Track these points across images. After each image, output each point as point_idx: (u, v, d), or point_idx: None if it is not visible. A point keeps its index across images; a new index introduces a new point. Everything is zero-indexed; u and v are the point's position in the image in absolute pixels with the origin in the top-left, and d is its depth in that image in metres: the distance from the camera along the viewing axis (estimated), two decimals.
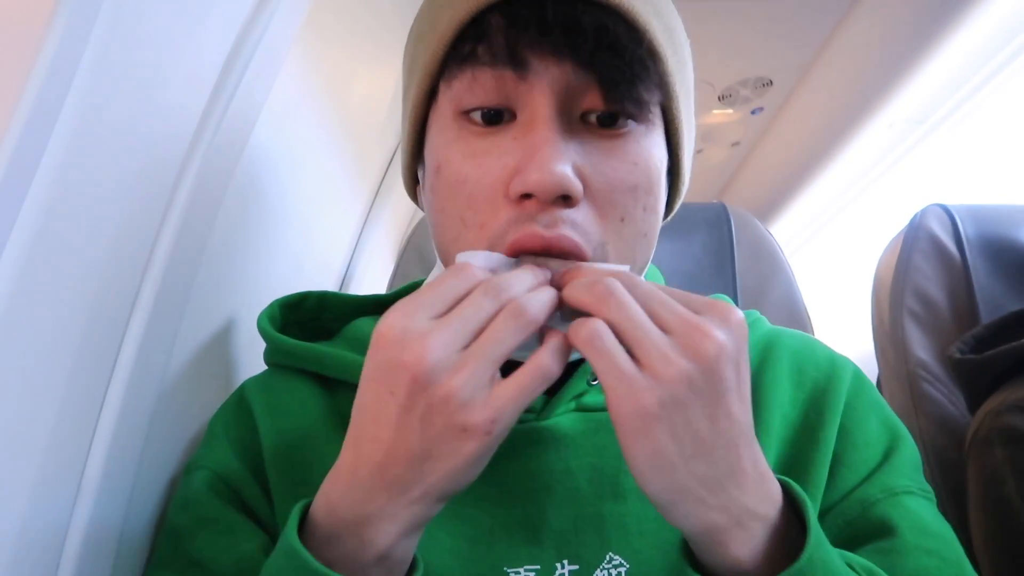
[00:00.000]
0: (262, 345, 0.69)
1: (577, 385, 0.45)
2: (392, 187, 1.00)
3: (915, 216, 0.87)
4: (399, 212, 1.12)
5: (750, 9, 1.17)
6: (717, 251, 0.78)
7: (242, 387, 0.50)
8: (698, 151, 1.71)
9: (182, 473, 0.47)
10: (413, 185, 0.50)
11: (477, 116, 0.40)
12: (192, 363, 0.51)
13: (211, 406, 0.55)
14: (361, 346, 0.48)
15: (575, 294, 0.34)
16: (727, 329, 0.32)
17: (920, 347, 0.80)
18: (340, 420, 0.46)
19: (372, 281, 1.01)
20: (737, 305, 0.75)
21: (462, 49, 0.40)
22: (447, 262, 0.44)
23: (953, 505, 0.76)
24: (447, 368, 0.31)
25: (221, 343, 0.56)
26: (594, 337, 0.31)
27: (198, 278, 0.49)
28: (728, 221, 0.80)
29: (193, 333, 0.50)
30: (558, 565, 0.40)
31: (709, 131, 1.63)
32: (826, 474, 0.43)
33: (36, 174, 0.34)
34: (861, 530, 0.42)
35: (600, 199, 0.40)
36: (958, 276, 0.82)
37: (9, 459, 0.34)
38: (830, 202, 1.90)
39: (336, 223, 0.86)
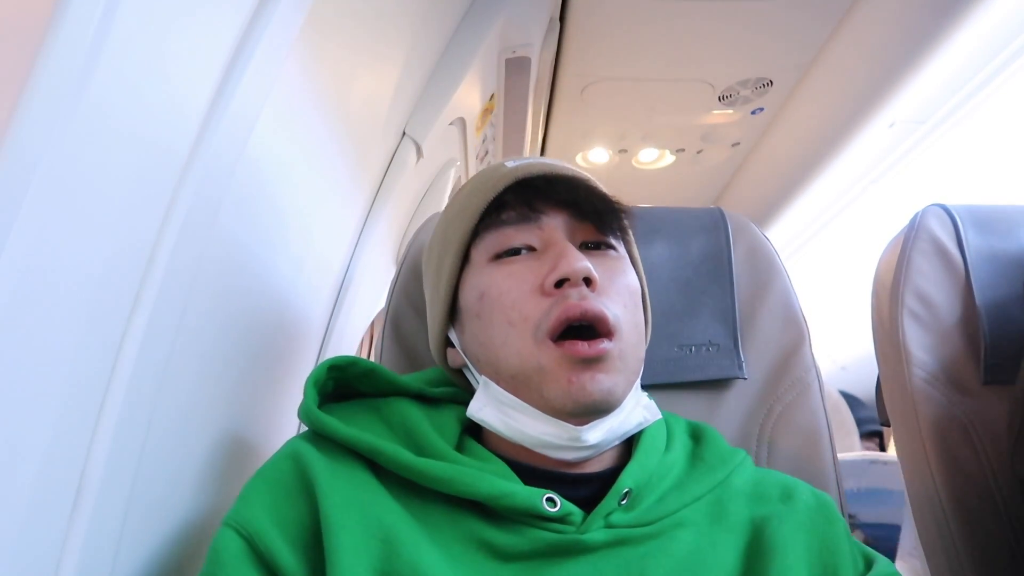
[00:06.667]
0: (263, 345, 0.69)
1: (609, 503, 0.51)
2: (392, 187, 1.00)
3: (915, 216, 0.86)
4: (399, 212, 1.12)
5: (750, 9, 1.17)
6: (714, 256, 0.77)
7: (294, 450, 0.51)
8: (698, 152, 1.71)
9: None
10: (444, 348, 0.60)
11: (507, 256, 0.54)
12: (192, 363, 0.51)
13: (211, 406, 0.55)
14: (408, 438, 0.53)
15: None
16: None
17: (920, 347, 0.80)
18: (390, 497, 0.49)
19: (372, 281, 1.01)
20: (735, 309, 0.74)
21: (489, 219, 0.55)
22: (497, 372, 0.53)
23: (953, 507, 0.76)
24: None
25: (221, 343, 0.56)
26: None
27: (198, 278, 0.49)
28: (725, 226, 0.79)
29: (193, 333, 0.50)
30: None
31: (709, 131, 1.63)
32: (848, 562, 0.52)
33: (36, 174, 0.34)
34: None
35: (607, 289, 0.53)
36: (958, 276, 0.82)
37: (9, 460, 0.34)
38: (831, 202, 1.90)
39: (336, 223, 0.86)
